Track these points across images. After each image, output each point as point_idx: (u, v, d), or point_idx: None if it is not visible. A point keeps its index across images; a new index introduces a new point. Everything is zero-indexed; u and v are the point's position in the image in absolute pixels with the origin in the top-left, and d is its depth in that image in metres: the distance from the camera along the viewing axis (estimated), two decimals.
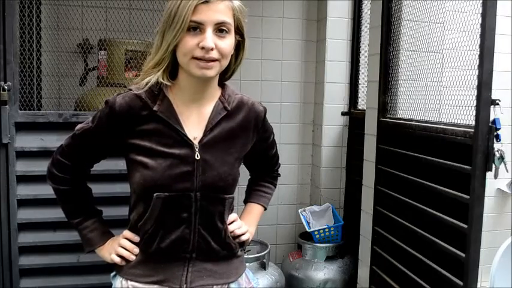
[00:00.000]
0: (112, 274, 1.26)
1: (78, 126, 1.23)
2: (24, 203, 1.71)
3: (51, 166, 1.27)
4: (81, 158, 1.26)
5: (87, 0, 2.22)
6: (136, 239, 1.21)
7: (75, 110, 1.99)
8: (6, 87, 1.66)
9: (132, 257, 1.20)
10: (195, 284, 1.19)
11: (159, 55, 1.11)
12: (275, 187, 1.51)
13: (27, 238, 1.73)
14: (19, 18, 1.73)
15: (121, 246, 1.21)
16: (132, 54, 2.00)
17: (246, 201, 1.48)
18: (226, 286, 1.24)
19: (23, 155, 1.70)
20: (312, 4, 2.99)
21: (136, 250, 1.20)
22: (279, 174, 1.52)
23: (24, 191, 1.70)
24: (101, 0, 2.11)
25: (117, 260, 1.21)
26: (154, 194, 1.13)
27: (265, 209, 1.47)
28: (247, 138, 1.26)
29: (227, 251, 1.25)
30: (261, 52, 2.91)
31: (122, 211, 1.39)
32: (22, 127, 1.72)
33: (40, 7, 2.08)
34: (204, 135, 1.17)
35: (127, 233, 1.23)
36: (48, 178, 1.28)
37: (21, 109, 1.73)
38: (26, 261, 1.73)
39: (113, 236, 1.28)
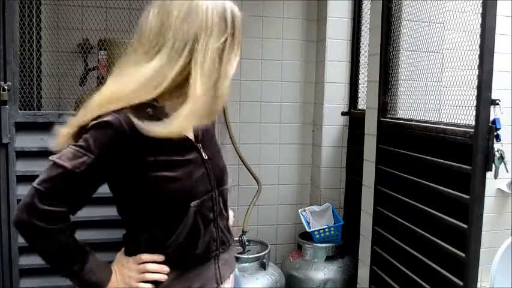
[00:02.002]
0: None
1: (73, 164, 0.97)
2: None
3: (29, 219, 0.98)
4: (80, 198, 1.05)
5: (87, 0, 2.22)
6: (161, 258, 1.10)
7: (75, 110, 1.99)
8: (6, 87, 1.66)
9: (165, 277, 1.10)
10: (224, 278, 1.19)
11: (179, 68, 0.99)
12: None
13: None
14: (19, 18, 1.73)
15: (144, 272, 1.10)
16: None
17: None
18: (233, 273, 1.26)
19: (23, 155, 1.70)
20: (312, 4, 2.99)
21: (166, 268, 1.10)
22: None
23: (24, 191, 1.68)
24: (101, 0, 2.11)
25: (148, 286, 1.10)
26: (191, 204, 1.08)
27: None
28: (214, 130, 1.28)
29: (233, 237, 1.27)
30: (261, 52, 2.91)
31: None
32: (22, 127, 1.72)
33: (40, 7, 2.08)
34: (196, 134, 1.16)
35: (146, 256, 1.10)
36: (28, 235, 1.02)
37: (21, 109, 1.73)
38: (26, 261, 1.73)
39: (109, 264, 1.14)
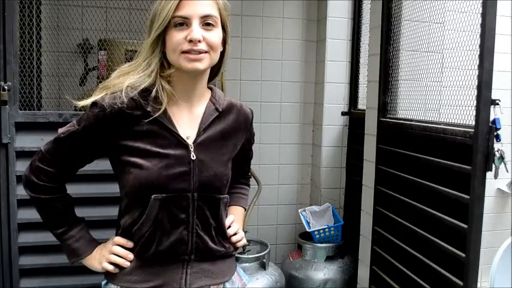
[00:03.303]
0: (103, 282, 1.23)
1: (62, 130, 1.16)
2: (24, 203, 1.71)
3: (29, 174, 1.18)
4: (65, 164, 1.19)
5: (87, 0, 2.22)
6: (130, 244, 1.18)
7: (75, 110, 1.99)
8: (6, 87, 1.66)
9: (127, 264, 1.17)
10: (194, 286, 1.18)
11: (146, 54, 1.12)
12: (249, 187, 1.51)
13: (27, 238, 1.73)
14: (19, 18, 1.73)
15: (113, 253, 1.18)
16: (132, 54, 2.00)
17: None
18: (222, 285, 1.24)
19: (23, 155, 1.70)
20: (312, 4, 2.99)
21: (131, 256, 1.17)
22: (250, 176, 1.52)
23: (24, 191, 1.70)
24: (101, 0, 2.11)
25: (110, 267, 1.18)
26: (152, 196, 1.11)
27: (245, 210, 1.46)
28: (237, 139, 1.27)
29: (223, 250, 1.25)
30: (261, 52, 2.91)
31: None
32: (22, 127, 1.72)
33: (40, 7, 2.08)
34: (198, 135, 1.17)
35: (119, 239, 1.19)
36: (26, 187, 1.20)
37: (21, 109, 1.73)
38: (26, 261, 1.73)
39: (99, 243, 1.25)
